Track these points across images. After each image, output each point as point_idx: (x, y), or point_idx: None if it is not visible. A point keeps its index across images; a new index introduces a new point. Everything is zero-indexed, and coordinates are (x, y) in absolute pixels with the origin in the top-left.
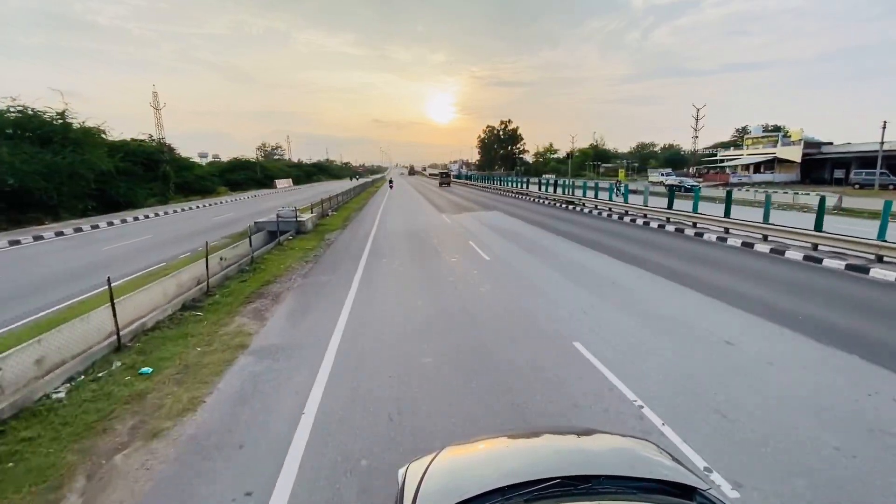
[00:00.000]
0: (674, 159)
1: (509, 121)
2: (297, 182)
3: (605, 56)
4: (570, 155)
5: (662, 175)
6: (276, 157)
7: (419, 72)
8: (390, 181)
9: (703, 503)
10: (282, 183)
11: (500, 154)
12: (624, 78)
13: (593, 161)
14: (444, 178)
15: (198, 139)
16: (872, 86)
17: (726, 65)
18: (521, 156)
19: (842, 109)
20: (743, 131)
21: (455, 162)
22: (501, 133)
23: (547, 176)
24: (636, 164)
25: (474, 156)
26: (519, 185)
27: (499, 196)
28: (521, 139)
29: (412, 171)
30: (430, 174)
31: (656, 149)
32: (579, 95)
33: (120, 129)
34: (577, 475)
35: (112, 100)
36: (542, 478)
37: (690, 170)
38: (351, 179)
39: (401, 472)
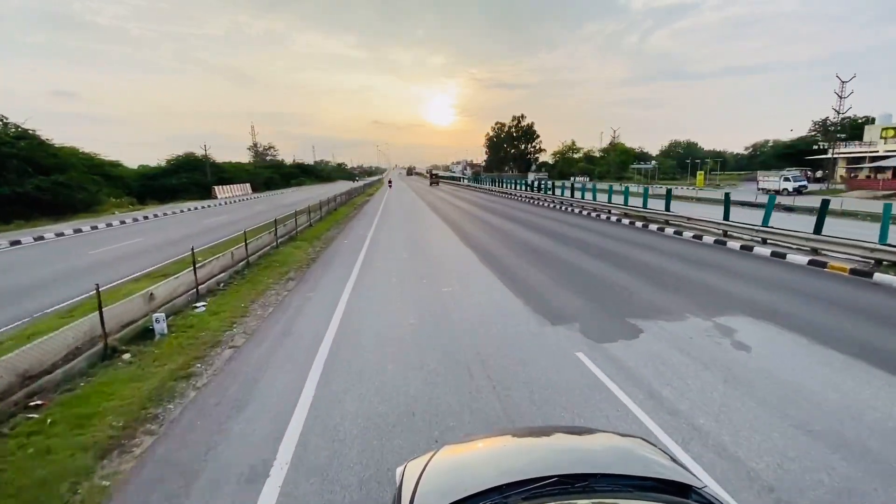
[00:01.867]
0: (718, 160)
1: (522, 116)
2: (266, 187)
3: (604, 59)
4: (580, 155)
5: (790, 179)
6: (268, 157)
7: (419, 74)
8: (389, 181)
9: (699, 501)
10: (229, 190)
11: (511, 153)
12: (623, 81)
13: (637, 161)
14: (434, 178)
15: (196, 140)
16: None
17: (726, 68)
18: (536, 155)
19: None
20: (823, 124)
21: (458, 163)
22: (514, 130)
23: (581, 179)
24: (671, 165)
25: (480, 155)
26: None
27: (594, 225)
28: (537, 136)
29: (410, 172)
30: (437, 175)
31: (681, 149)
32: (579, 98)
33: (117, 131)
34: (574, 473)
35: (111, 101)
36: (539, 476)
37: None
38: (355, 181)
39: (399, 470)
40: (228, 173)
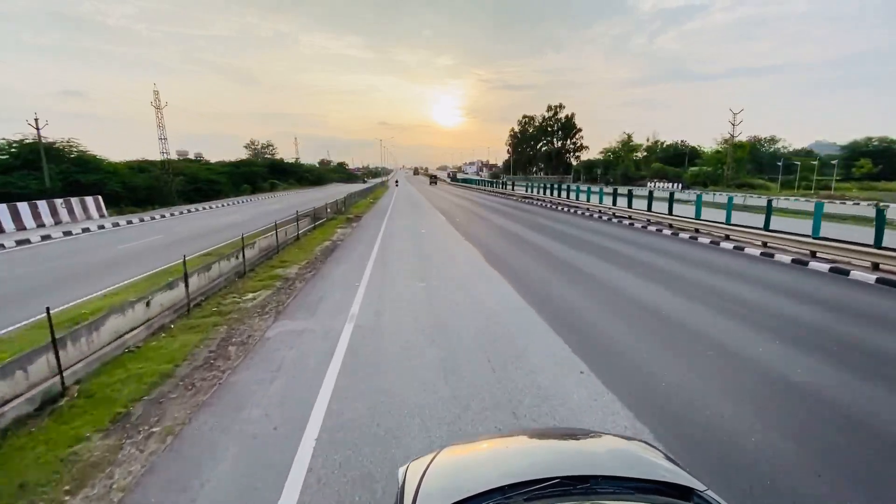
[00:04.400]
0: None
1: (560, 105)
2: (201, 196)
3: (610, 60)
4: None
5: None
6: (266, 155)
7: (425, 75)
8: (396, 181)
9: None
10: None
11: (541, 151)
12: (631, 82)
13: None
14: (433, 179)
15: (203, 141)
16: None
17: (735, 69)
18: (577, 154)
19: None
20: None
21: (471, 163)
22: (549, 123)
23: (661, 185)
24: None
25: (491, 155)
26: None
27: None
28: (578, 130)
29: (416, 172)
30: (435, 176)
31: (780, 145)
32: (586, 99)
33: (123, 130)
34: (575, 475)
35: (118, 100)
36: (541, 477)
37: None
38: (364, 181)
39: (401, 470)
40: (103, 174)
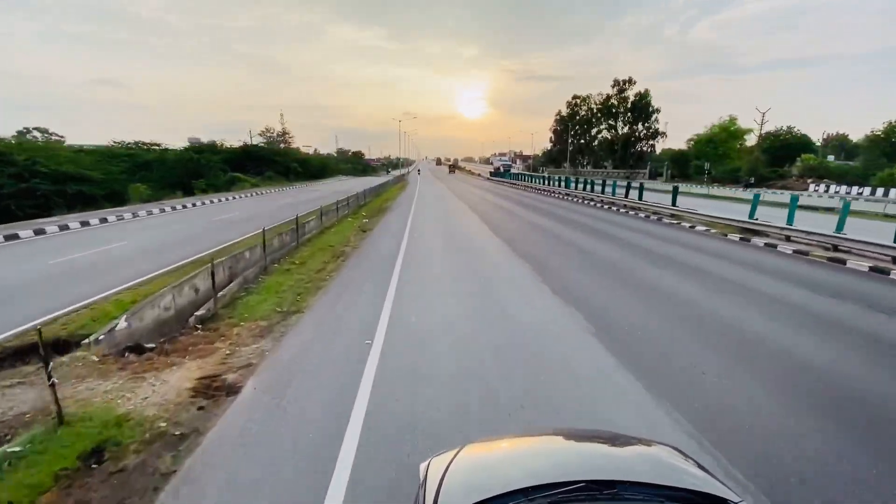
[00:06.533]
0: None
1: (629, 80)
2: (32, 207)
3: (641, 51)
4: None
5: None
6: (281, 143)
7: (450, 66)
8: (418, 170)
9: None
10: None
11: (598, 138)
12: (661, 73)
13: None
14: (452, 168)
15: (228, 130)
16: None
17: (770, 61)
18: (652, 142)
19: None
20: None
21: (502, 154)
22: (615, 103)
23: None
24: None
25: (529, 146)
26: None
27: None
28: (655, 112)
29: (439, 162)
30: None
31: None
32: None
33: (153, 118)
34: (602, 480)
35: (150, 89)
36: (566, 480)
37: None
38: (387, 171)
39: (422, 466)
40: None
